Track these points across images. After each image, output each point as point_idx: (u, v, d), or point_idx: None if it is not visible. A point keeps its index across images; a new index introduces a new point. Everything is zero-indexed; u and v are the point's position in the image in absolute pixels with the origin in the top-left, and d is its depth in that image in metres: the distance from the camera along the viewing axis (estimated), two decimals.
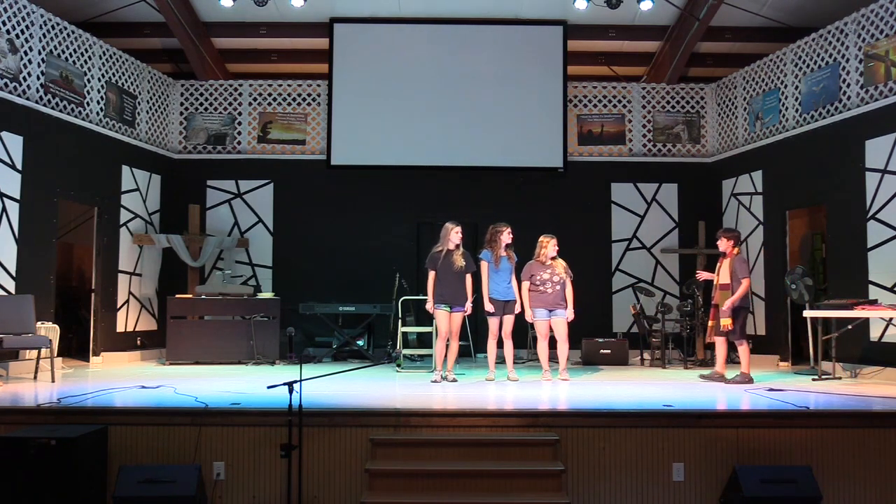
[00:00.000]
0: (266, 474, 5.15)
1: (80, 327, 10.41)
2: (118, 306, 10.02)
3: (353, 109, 11.25)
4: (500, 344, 7.78)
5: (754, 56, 10.67)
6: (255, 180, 11.32)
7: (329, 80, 11.29)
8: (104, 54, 9.92)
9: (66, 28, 9.19)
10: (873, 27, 8.50)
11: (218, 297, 9.80)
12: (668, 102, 11.56)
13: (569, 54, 11.31)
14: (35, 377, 7.59)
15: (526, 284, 7.76)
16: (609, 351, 9.89)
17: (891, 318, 7.95)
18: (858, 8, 8.71)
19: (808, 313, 8.31)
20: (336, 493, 5.13)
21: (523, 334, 9.73)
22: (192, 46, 11.22)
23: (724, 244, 7.66)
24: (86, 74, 9.54)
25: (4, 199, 8.11)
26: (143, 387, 6.81)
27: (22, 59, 8.46)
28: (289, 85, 11.60)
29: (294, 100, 11.56)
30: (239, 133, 11.47)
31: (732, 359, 8.51)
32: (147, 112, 10.84)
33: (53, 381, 7.34)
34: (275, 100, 11.55)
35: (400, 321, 9.29)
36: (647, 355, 10.07)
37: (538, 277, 7.73)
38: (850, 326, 8.07)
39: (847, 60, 8.85)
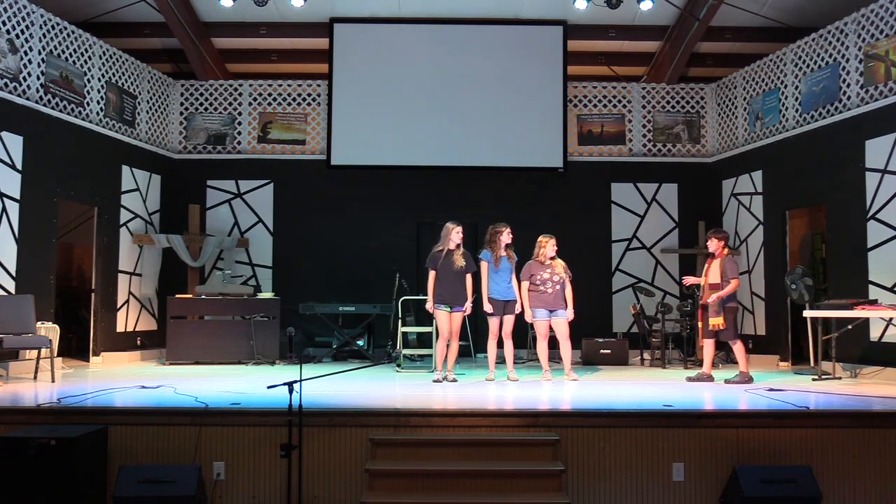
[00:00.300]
0: (266, 474, 5.15)
1: (80, 327, 10.41)
2: (118, 306, 10.02)
3: (353, 109, 11.25)
4: (500, 344, 7.78)
5: (754, 56, 10.67)
6: (255, 180, 11.32)
7: (329, 80, 11.29)
8: (104, 54, 9.92)
9: (66, 28, 9.19)
10: (873, 27, 8.50)
11: (218, 297, 9.80)
12: (668, 102, 11.56)
13: (569, 54, 11.31)
14: (35, 377, 7.59)
15: (526, 284, 7.76)
16: (609, 351, 9.89)
17: (891, 318, 7.95)
18: (858, 8, 8.71)
19: (808, 313, 8.31)
20: (336, 493, 5.13)
21: (523, 334, 9.72)
22: (192, 46, 11.22)
23: (714, 245, 7.67)
24: (86, 74, 9.54)
25: (4, 199, 8.12)
26: (143, 387, 6.81)
27: (22, 59, 8.46)
28: (289, 85, 11.60)
29: (294, 100, 11.56)
30: (239, 133, 11.47)
31: (731, 359, 8.51)
32: (147, 112, 10.84)
33: (53, 381, 7.34)
34: (275, 100, 11.55)
35: (400, 321, 9.29)
36: (647, 355, 10.07)
37: (538, 277, 7.73)
38: (850, 326, 8.07)
39: (847, 60, 8.85)
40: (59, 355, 8.52)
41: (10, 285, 8.12)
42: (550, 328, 7.77)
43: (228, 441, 5.18)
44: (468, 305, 7.59)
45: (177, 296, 9.93)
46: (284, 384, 4.63)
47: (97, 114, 9.73)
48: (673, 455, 5.17)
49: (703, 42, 11.34)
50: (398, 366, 8.89)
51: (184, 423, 5.21)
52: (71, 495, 4.70)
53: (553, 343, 7.86)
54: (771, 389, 6.73)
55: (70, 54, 9.26)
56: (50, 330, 8.27)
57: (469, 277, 7.59)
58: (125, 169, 10.25)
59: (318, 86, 11.53)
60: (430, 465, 5.04)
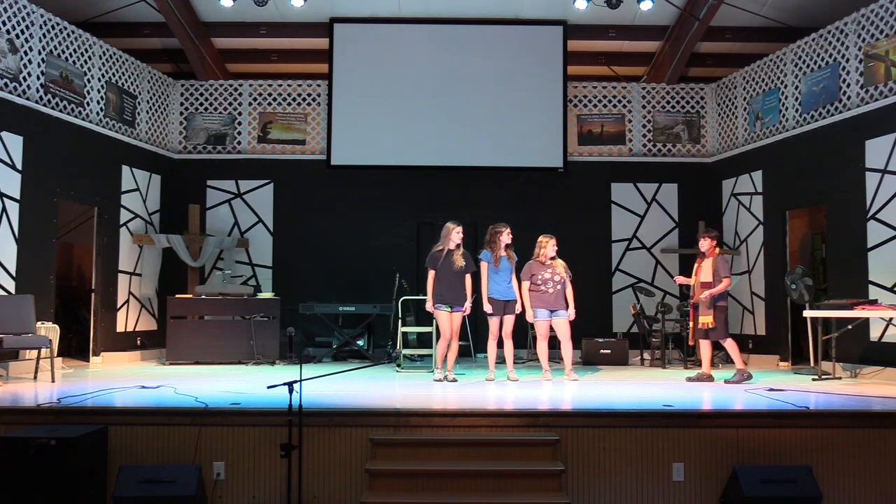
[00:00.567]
0: (266, 474, 5.15)
1: (80, 327, 10.40)
2: (118, 306, 10.02)
3: (353, 109, 11.25)
4: (500, 344, 7.78)
5: (754, 56, 10.67)
6: (255, 180, 11.32)
7: (329, 80, 11.29)
8: (104, 54, 9.92)
9: (66, 28, 9.19)
10: (873, 27, 8.50)
11: (218, 297, 9.80)
12: (668, 102, 11.56)
13: (569, 54, 11.31)
14: (35, 377, 7.59)
15: (526, 284, 7.76)
16: (609, 351, 9.89)
17: (891, 318, 7.95)
18: (858, 8, 8.71)
19: (808, 313, 8.32)
20: (336, 493, 5.13)
21: (523, 334, 9.73)
22: (192, 46, 11.22)
23: (706, 244, 7.69)
24: (86, 74, 9.54)
25: (4, 199, 8.12)
26: (143, 387, 6.81)
27: (22, 59, 8.46)
28: (289, 85, 11.60)
29: (294, 100, 11.56)
30: (239, 133, 11.47)
31: (730, 359, 8.51)
32: (147, 112, 10.84)
33: (53, 381, 7.34)
34: (275, 100, 11.55)
35: (400, 321, 9.29)
36: (647, 355, 10.07)
37: (539, 277, 7.73)
38: (850, 326, 8.07)
39: (847, 60, 8.85)
40: (59, 355, 8.52)
41: (10, 285, 8.12)
42: (551, 328, 7.77)
43: (228, 441, 5.18)
44: (468, 305, 7.59)
45: (177, 296, 9.93)
46: (284, 384, 4.63)
47: (97, 114, 9.73)
48: (673, 455, 5.16)
49: (703, 42, 11.34)
50: (398, 366, 8.89)
51: (184, 423, 5.21)
52: (71, 495, 4.70)
53: (553, 343, 7.86)
54: (771, 389, 6.73)
55: (70, 54, 9.26)
56: (50, 330, 8.27)
57: (469, 277, 7.59)
58: (125, 169, 10.25)
59: (318, 86, 11.53)
60: (430, 465, 5.04)
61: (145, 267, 10.61)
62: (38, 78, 8.69)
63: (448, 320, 7.49)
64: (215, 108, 11.51)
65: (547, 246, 7.78)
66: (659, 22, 11.30)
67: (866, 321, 8.21)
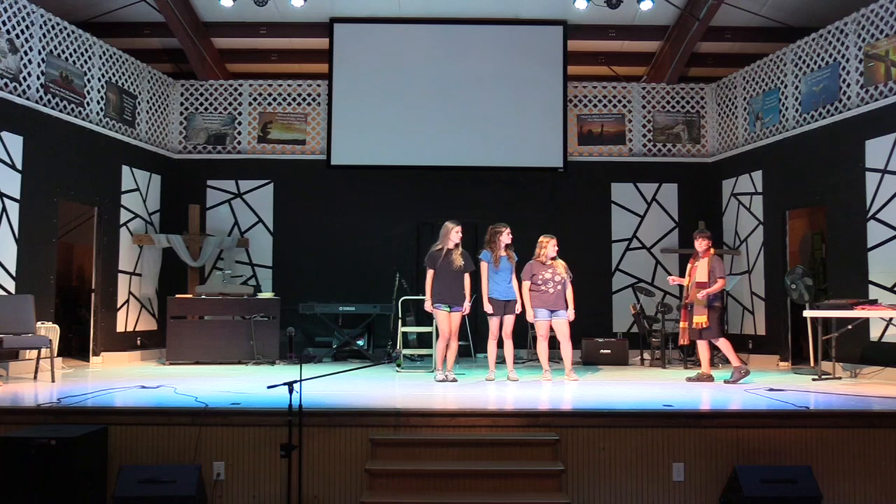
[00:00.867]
0: (266, 474, 5.15)
1: (80, 327, 10.41)
2: (118, 306, 10.02)
3: (353, 109, 11.25)
4: (500, 344, 7.78)
5: (754, 56, 10.67)
6: (255, 180, 11.32)
7: (329, 80, 11.29)
8: (104, 54, 9.92)
9: (66, 28, 9.19)
10: (873, 27, 8.50)
11: (218, 297, 9.80)
12: (668, 102, 11.56)
13: (569, 54, 11.31)
14: (35, 377, 7.59)
15: (527, 284, 7.75)
16: (609, 351, 9.89)
17: (891, 318, 7.96)
18: (858, 8, 8.71)
19: (808, 313, 8.31)
20: (336, 493, 5.13)
21: (523, 334, 9.73)
22: (192, 46, 11.22)
23: (703, 244, 7.71)
24: (86, 74, 9.54)
25: (4, 199, 8.12)
26: (143, 387, 6.81)
27: (22, 59, 8.46)
28: (289, 85, 11.60)
29: (294, 100, 11.56)
30: (239, 133, 11.47)
31: (727, 359, 8.51)
32: (147, 112, 10.84)
33: (53, 381, 7.34)
34: (275, 100, 11.55)
35: (400, 321, 9.29)
36: (647, 355, 10.07)
37: (540, 277, 7.73)
38: (850, 326, 8.07)
39: (847, 60, 8.85)
40: (59, 355, 8.52)
41: (10, 285, 8.12)
42: (551, 328, 7.77)
43: (228, 441, 5.18)
44: (467, 305, 7.58)
45: (177, 296, 9.93)
46: (284, 384, 4.63)
47: (97, 114, 9.73)
48: (673, 455, 5.16)
49: (703, 42, 11.34)
50: (398, 366, 8.89)
51: (184, 423, 5.21)
52: (71, 495, 4.70)
53: (553, 343, 7.86)
54: (771, 389, 6.73)
55: (70, 54, 9.26)
56: (50, 330, 8.27)
57: (467, 277, 7.59)
58: (125, 169, 10.25)
59: (318, 86, 11.53)
60: (430, 465, 5.04)
61: (145, 267, 10.61)
62: (38, 78, 8.69)
63: (447, 320, 7.49)
64: (215, 108, 11.51)
65: (547, 246, 7.78)
66: (659, 22, 11.30)
67: (866, 321, 8.22)
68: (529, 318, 7.77)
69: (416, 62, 11.32)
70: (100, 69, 9.81)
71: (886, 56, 8.31)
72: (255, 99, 11.53)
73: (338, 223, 11.26)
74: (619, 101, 11.56)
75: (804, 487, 4.87)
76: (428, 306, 7.56)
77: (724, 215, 11.00)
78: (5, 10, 8.23)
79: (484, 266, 7.70)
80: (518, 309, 7.72)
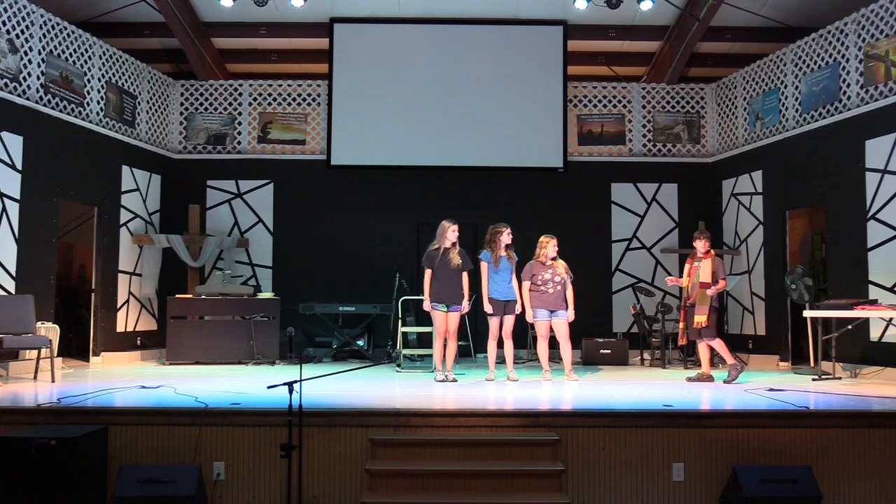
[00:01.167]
0: (266, 474, 5.15)
1: (80, 327, 10.40)
2: (118, 306, 10.02)
3: (353, 109, 11.25)
4: (500, 344, 7.78)
5: (754, 56, 10.67)
6: (255, 180, 11.32)
7: (329, 80, 11.29)
8: (104, 54, 9.92)
9: (66, 28, 9.19)
10: (873, 27, 8.50)
11: (218, 297, 9.80)
12: (668, 102, 11.56)
13: (569, 54, 11.31)
14: (35, 377, 7.59)
15: (527, 284, 7.75)
16: (609, 351, 9.89)
17: (891, 318, 7.96)
18: (858, 8, 8.71)
19: (808, 313, 8.31)
20: (336, 493, 5.13)
21: (523, 334, 9.72)
22: (192, 46, 11.22)
23: (705, 245, 7.72)
24: (86, 74, 9.54)
25: (4, 199, 8.12)
26: (143, 387, 6.81)
27: (22, 59, 8.46)
28: (289, 85, 11.60)
29: (294, 100, 11.56)
30: (239, 133, 11.47)
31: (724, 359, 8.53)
32: (147, 112, 10.84)
33: (53, 381, 7.34)
34: (275, 100, 11.55)
35: (400, 321, 9.29)
36: (647, 355, 10.08)
37: (540, 278, 7.73)
38: (850, 326, 8.07)
39: (847, 60, 8.85)
40: (59, 355, 8.52)
41: (10, 285, 8.12)
42: (551, 328, 7.77)
43: (228, 441, 5.18)
44: (465, 304, 7.58)
45: (177, 296, 9.93)
46: (284, 384, 4.63)
47: (97, 114, 9.73)
48: (673, 455, 5.16)
49: (703, 42, 11.34)
50: (398, 366, 8.89)
51: (184, 423, 5.21)
52: (71, 495, 4.70)
53: (553, 343, 7.85)
54: (771, 389, 6.73)
55: (70, 54, 9.26)
56: (50, 330, 8.27)
57: (465, 275, 7.58)
58: (125, 169, 10.25)
59: (318, 86, 11.53)
60: (430, 465, 5.04)
61: (145, 267, 10.61)
62: (38, 78, 8.69)
63: (443, 320, 7.48)
64: (215, 108, 11.51)
65: (547, 246, 7.78)
66: (659, 22, 11.30)
67: (866, 321, 8.21)
68: (529, 318, 7.77)
69: (416, 62, 11.32)
70: (100, 69, 9.81)
71: (886, 56, 8.31)
72: (255, 99, 11.53)
73: (338, 223, 11.26)
74: (619, 102, 11.56)
75: (804, 487, 4.87)
76: (426, 306, 7.55)
77: (724, 215, 11.00)
78: (5, 10, 8.23)
79: (484, 266, 7.69)
80: (518, 309, 7.71)
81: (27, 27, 8.54)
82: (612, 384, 7.55)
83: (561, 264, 7.81)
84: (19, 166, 8.31)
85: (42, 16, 8.79)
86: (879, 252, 8.27)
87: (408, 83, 11.28)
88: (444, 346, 7.53)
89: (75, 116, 9.29)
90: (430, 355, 8.62)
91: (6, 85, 8.20)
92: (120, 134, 10.16)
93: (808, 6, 10.41)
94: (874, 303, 7.84)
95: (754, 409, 5.72)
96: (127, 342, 10.14)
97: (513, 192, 11.21)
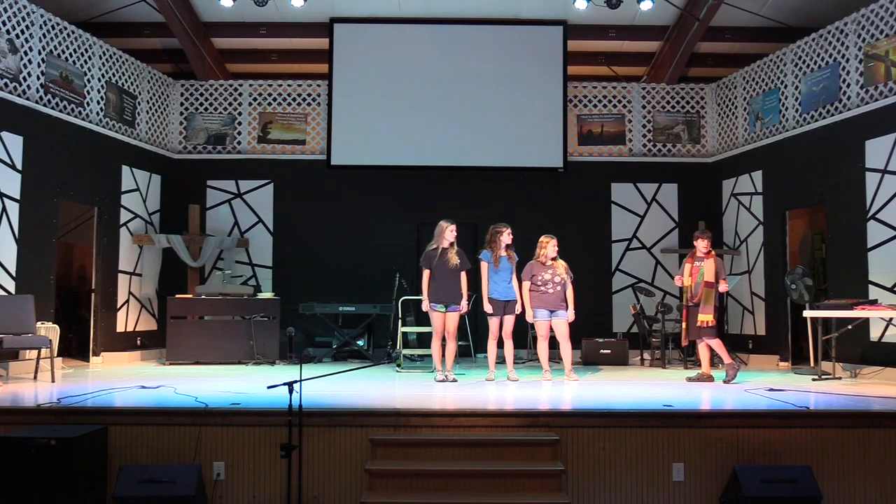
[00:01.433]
0: (266, 474, 5.15)
1: (80, 327, 10.41)
2: (118, 306, 10.02)
3: (353, 109, 11.25)
4: (500, 344, 7.77)
5: (754, 56, 10.67)
6: (255, 180, 11.32)
7: (329, 80, 11.29)
8: (104, 54, 9.92)
9: (66, 28, 9.19)
10: (873, 27, 8.50)
11: (218, 297, 9.80)
12: (668, 102, 11.56)
13: (569, 54, 11.31)
14: (35, 377, 7.59)
15: (527, 284, 7.75)
16: (609, 351, 9.89)
17: (891, 318, 7.96)
18: (858, 8, 8.71)
19: (808, 313, 8.31)
20: (336, 493, 5.13)
21: (523, 334, 9.72)
22: (192, 46, 11.22)
23: (707, 245, 7.72)
24: (86, 74, 9.54)
25: (4, 199, 8.11)
26: (143, 387, 6.81)
27: (22, 59, 8.46)
28: (289, 85, 11.60)
29: (294, 100, 11.56)
30: (239, 133, 11.47)
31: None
32: (147, 112, 10.84)
33: (53, 381, 7.34)
34: (275, 100, 11.55)
35: (400, 321, 9.29)
36: (647, 355, 10.08)
37: (540, 278, 7.72)
38: (850, 326, 8.07)
39: (847, 60, 8.85)
40: (59, 355, 8.52)
41: (10, 285, 8.12)
42: (551, 328, 7.77)
43: (228, 441, 5.18)
44: (464, 304, 7.57)
45: (177, 296, 9.93)
46: (284, 384, 4.62)
47: (97, 114, 9.73)
48: (673, 455, 5.16)
49: (703, 42, 11.33)
50: (398, 366, 8.89)
51: (184, 423, 5.21)
52: (71, 495, 4.70)
53: (553, 343, 7.85)
54: (771, 389, 6.73)
55: (70, 54, 9.26)
56: (50, 330, 8.27)
57: (464, 275, 7.58)
58: (125, 169, 10.25)
59: (318, 86, 11.53)
60: (430, 465, 5.04)
61: (145, 267, 10.61)
62: (38, 78, 8.69)
63: (440, 320, 7.48)
64: (215, 108, 11.51)
65: (547, 246, 7.77)
66: (659, 22, 11.30)
67: (866, 321, 8.21)
68: (529, 318, 7.77)
69: (415, 62, 11.32)
70: (100, 69, 9.81)
71: (886, 56, 8.31)
72: (255, 99, 11.53)
73: (338, 223, 11.26)
74: (619, 102, 11.56)
75: (804, 487, 4.87)
76: (425, 306, 7.55)
77: (724, 215, 11.00)
78: (5, 10, 8.23)
79: (484, 266, 7.69)
80: (518, 309, 7.71)
81: (27, 27, 8.54)
82: (612, 384, 7.55)
83: (561, 264, 7.81)
84: (19, 166, 8.31)
85: (42, 16, 8.79)
86: (879, 252, 8.27)
87: (408, 83, 11.28)
88: (443, 345, 7.53)
89: (75, 116, 9.29)
90: (430, 355, 8.62)
91: (6, 85, 8.20)
92: (120, 134, 10.16)
93: (808, 6, 10.41)
94: (874, 303, 7.84)
95: (754, 409, 5.72)
96: (127, 342, 10.14)
97: (513, 192, 11.21)
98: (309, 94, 11.56)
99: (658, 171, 11.41)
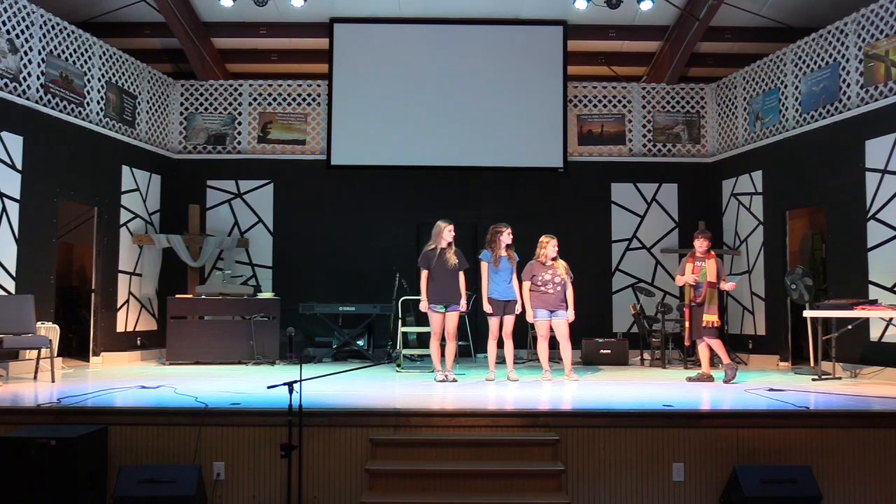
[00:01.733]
0: (266, 474, 5.15)
1: (80, 327, 10.41)
2: (118, 306, 10.02)
3: (353, 109, 11.25)
4: (500, 344, 7.77)
5: (754, 56, 10.67)
6: (255, 180, 11.32)
7: (329, 80, 11.29)
8: (104, 54, 9.92)
9: (66, 28, 9.19)
10: (873, 27, 8.50)
11: (218, 297, 9.80)
12: (668, 102, 11.56)
13: (569, 54, 11.31)
14: (35, 377, 7.59)
15: (527, 284, 7.75)
16: (609, 351, 9.89)
17: (891, 318, 7.96)
18: (858, 8, 8.71)
19: (808, 313, 8.31)
20: (336, 493, 5.13)
21: (523, 334, 9.72)
22: (192, 46, 11.22)
23: (707, 245, 7.72)
24: (86, 74, 9.54)
25: (4, 199, 8.12)
26: (143, 387, 6.81)
27: (22, 59, 8.46)
28: (289, 85, 11.60)
29: (294, 100, 11.56)
30: (239, 133, 11.47)
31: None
32: (147, 112, 10.84)
33: (53, 381, 7.34)
34: (275, 100, 11.55)
35: (400, 321, 9.29)
36: (647, 355, 10.08)
37: (540, 278, 7.72)
38: (850, 326, 8.07)
39: (847, 60, 8.85)
40: (59, 355, 8.52)
41: (10, 285, 8.12)
42: (551, 328, 7.77)
43: (228, 441, 5.18)
44: (463, 303, 7.57)
45: (177, 296, 9.93)
46: (284, 384, 4.63)
47: (97, 114, 9.73)
48: (673, 455, 5.16)
49: (703, 42, 11.34)
50: (398, 366, 8.89)
51: (184, 423, 5.20)
52: (71, 495, 4.70)
53: (553, 343, 7.85)
54: (771, 389, 6.73)
55: (70, 54, 9.26)
56: (50, 330, 8.27)
57: (462, 275, 7.57)
58: (125, 169, 10.25)
59: (318, 86, 11.53)
60: (429, 465, 5.04)
61: (145, 267, 10.61)
62: (38, 78, 8.69)
63: (439, 320, 7.48)
64: (215, 108, 11.51)
65: (547, 246, 7.77)
66: (659, 22, 11.30)
67: (866, 321, 8.22)
68: (529, 318, 7.77)
69: (415, 62, 11.32)
70: (100, 69, 9.81)
71: (886, 56, 8.31)
72: (255, 99, 11.53)
73: (338, 223, 11.26)
74: (619, 101, 11.56)
75: (804, 487, 4.87)
76: (423, 307, 7.54)
77: (724, 215, 11.00)
78: (5, 10, 8.23)
79: (484, 266, 7.69)
80: (518, 309, 7.71)
81: (27, 27, 8.54)
82: (612, 384, 7.55)
83: (561, 264, 7.81)
84: (19, 166, 8.31)
85: (42, 16, 8.79)
86: (879, 252, 8.27)
87: (408, 83, 11.28)
88: (442, 346, 7.53)
89: (75, 116, 9.29)
90: (430, 355, 8.62)
91: (6, 85, 8.20)
92: (120, 134, 10.16)
93: (808, 6, 10.41)
94: (874, 303, 7.84)
95: (754, 409, 5.72)
96: (127, 342, 10.14)
97: (513, 192, 11.21)
98: (309, 95, 11.56)
99: (658, 171, 11.41)
